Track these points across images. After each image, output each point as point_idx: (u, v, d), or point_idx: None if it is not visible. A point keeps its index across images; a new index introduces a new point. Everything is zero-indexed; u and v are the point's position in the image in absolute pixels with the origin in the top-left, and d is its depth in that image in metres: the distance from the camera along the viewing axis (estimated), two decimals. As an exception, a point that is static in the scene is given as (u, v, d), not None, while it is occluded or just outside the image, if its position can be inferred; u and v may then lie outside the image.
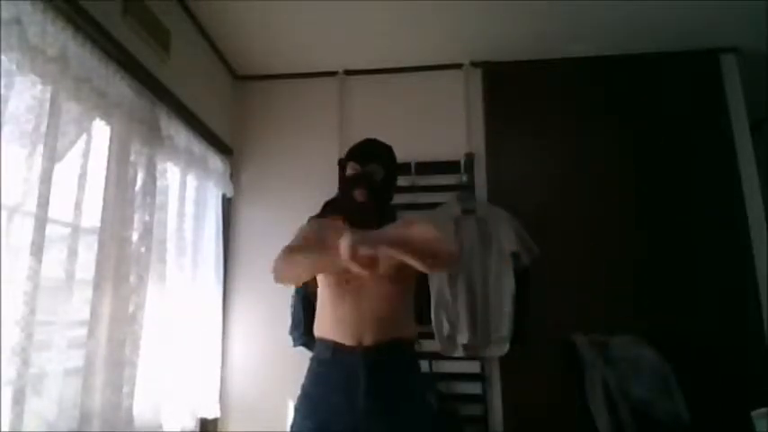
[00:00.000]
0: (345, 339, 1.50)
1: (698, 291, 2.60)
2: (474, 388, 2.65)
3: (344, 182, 1.66)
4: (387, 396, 1.48)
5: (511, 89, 2.96)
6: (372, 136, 1.72)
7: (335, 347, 1.51)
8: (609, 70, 2.91)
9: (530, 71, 2.95)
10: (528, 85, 2.95)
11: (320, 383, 1.53)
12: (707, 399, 2.30)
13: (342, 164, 1.69)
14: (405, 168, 2.86)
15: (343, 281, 1.53)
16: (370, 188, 1.59)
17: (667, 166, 2.77)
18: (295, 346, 2.49)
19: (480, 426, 2.59)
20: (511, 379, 2.63)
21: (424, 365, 2.61)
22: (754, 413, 2.21)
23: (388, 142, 1.72)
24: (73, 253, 1.67)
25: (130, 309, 1.90)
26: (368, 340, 1.49)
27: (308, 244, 1.57)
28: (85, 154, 1.76)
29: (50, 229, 1.53)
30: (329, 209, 2.66)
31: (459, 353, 2.56)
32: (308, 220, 1.80)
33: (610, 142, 2.81)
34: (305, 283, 1.65)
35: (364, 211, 1.61)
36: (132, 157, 1.99)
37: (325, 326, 1.57)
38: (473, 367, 2.66)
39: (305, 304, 2.45)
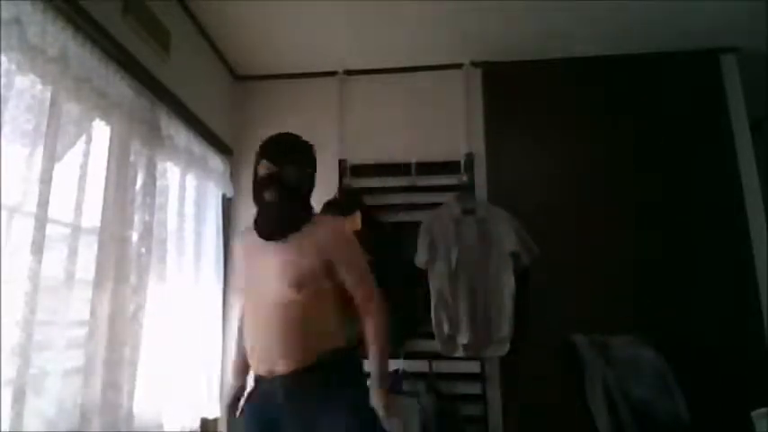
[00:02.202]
0: (259, 369, 1.46)
1: (698, 291, 2.60)
2: (474, 388, 2.65)
3: (255, 183, 1.55)
4: (310, 424, 1.40)
5: (511, 89, 2.96)
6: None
7: (257, 377, 1.49)
8: (609, 70, 2.91)
9: (530, 71, 2.95)
10: (528, 85, 2.95)
11: (249, 412, 1.53)
12: (707, 399, 2.30)
13: (256, 159, 1.59)
14: (405, 168, 2.87)
15: (254, 301, 1.49)
16: (283, 190, 1.48)
17: (667, 166, 2.77)
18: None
19: (480, 426, 2.59)
20: (511, 379, 2.63)
21: (424, 366, 2.63)
22: (754, 413, 2.21)
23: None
24: (73, 253, 1.66)
25: (130, 309, 1.90)
26: (281, 368, 1.41)
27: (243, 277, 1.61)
28: (85, 154, 1.75)
29: (50, 229, 1.53)
30: (329, 209, 2.66)
31: (460, 353, 2.56)
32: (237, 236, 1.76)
33: (610, 142, 2.81)
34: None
35: (274, 212, 1.51)
36: (132, 157, 1.99)
37: (248, 354, 1.53)
38: (473, 367, 2.66)
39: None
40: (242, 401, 1.60)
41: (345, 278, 1.53)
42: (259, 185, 1.53)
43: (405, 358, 2.63)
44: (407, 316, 2.61)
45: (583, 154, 2.82)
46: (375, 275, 1.61)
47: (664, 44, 2.81)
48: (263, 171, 1.52)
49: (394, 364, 2.61)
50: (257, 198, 1.55)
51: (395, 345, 2.61)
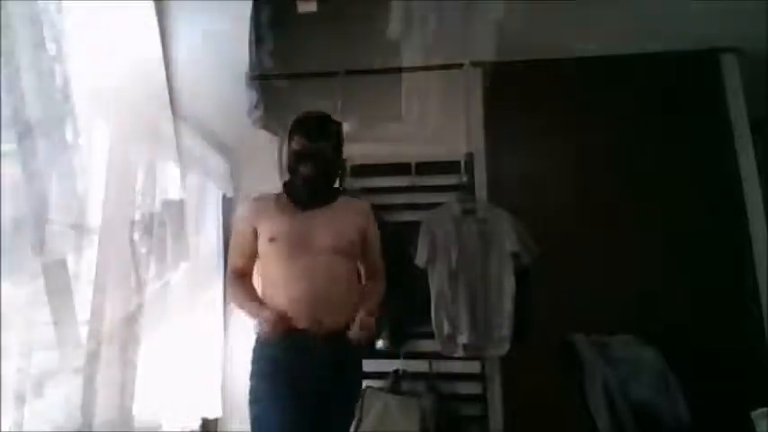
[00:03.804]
0: (302, 322, 1.49)
1: (698, 290, 2.60)
2: (474, 388, 2.65)
3: (290, 156, 1.64)
4: (345, 379, 1.55)
5: (511, 89, 2.95)
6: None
7: (287, 331, 1.49)
8: (609, 70, 2.91)
9: (530, 71, 2.95)
10: (528, 85, 2.94)
11: (274, 372, 1.52)
12: (707, 399, 2.30)
13: (289, 136, 1.67)
14: (405, 168, 2.87)
15: (295, 256, 1.53)
16: (318, 165, 1.58)
17: (667, 165, 2.77)
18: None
19: (480, 426, 2.59)
20: (511, 379, 2.63)
21: (424, 366, 2.64)
22: (754, 413, 2.20)
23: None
24: (73, 253, 1.66)
25: (130, 309, 1.90)
26: (327, 322, 1.49)
27: (246, 243, 1.64)
28: (85, 154, 1.75)
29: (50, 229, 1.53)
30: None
31: (460, 353, 2.56)
32: (247, 202, 1.79)
33: (610, 142, 2.81)
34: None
35: (311, 187, 1.61)
36: (132, 157, 1.99)
37: (276, 306, 1.54)
38: (473, 367, 2.66)
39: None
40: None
41: (367, 254, 1.71)
42: (294, 160, 1.62)
43: (405, 358, 2.63)
44: (407, 315, 2.62)
45: (583, 154, 2.82)
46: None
47: (664, 44, 2.81)
48: (297, 147, 1.61)
49: (393, 365, 2.63)
50: (292, 172, 1.65)
51: (394, 345, 2.62)
